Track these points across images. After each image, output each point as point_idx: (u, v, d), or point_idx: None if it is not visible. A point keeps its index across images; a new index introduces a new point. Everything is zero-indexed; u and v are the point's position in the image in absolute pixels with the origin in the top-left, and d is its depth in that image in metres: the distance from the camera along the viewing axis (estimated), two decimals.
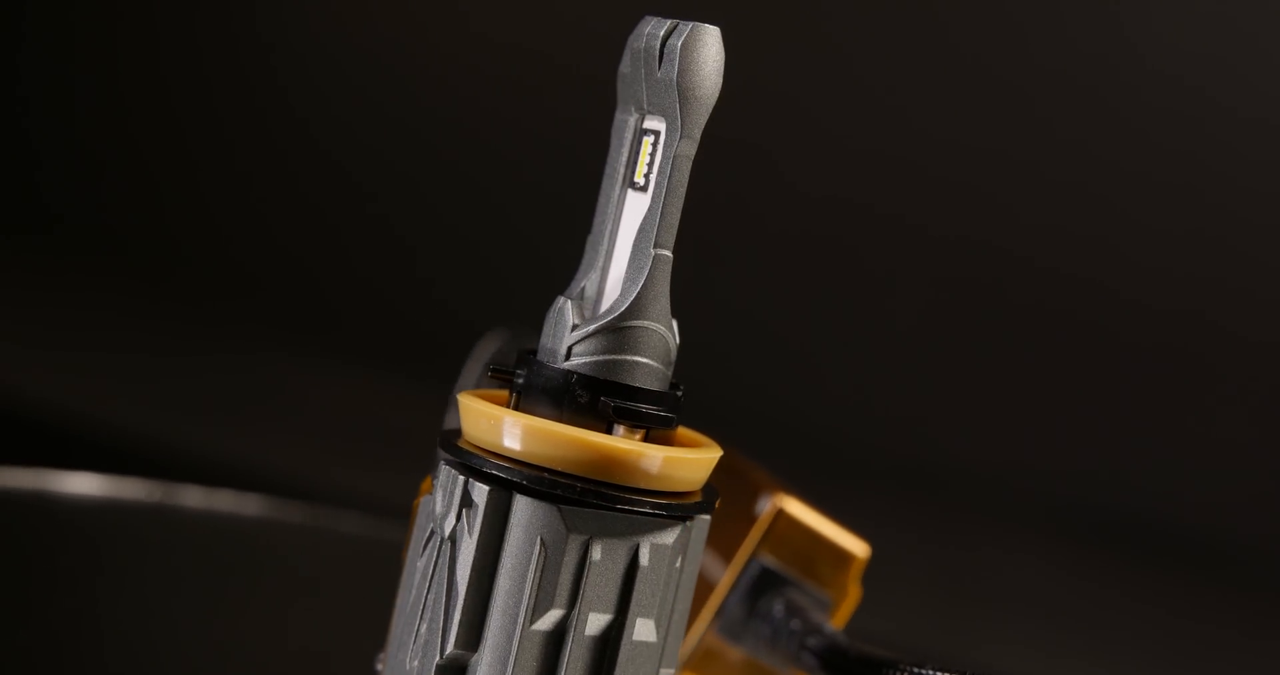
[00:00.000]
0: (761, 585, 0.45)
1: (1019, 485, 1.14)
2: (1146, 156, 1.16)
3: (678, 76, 0.35)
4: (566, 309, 0.36)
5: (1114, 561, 1.11)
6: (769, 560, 0.45)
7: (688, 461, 0.36)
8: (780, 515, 0.45)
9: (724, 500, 0.43)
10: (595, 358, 0.36)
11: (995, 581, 1.05)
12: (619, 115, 0.37)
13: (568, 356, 0.36)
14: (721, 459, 0.38)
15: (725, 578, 0.45)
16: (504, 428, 0.36)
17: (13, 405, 1.07)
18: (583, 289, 0.37)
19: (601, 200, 0.37)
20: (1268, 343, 1.14)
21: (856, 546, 0.45)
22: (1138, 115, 1.16)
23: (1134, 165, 1.16)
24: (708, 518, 0.37)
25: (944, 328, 1.19)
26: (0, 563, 0.60)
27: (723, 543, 0.45)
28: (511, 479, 0.35)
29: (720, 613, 0.45)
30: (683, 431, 0.39)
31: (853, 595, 0.45)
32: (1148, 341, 1.16)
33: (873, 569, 0.47)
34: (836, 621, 0.45)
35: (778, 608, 0.44)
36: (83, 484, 0.65)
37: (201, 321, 1.25)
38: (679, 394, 0.37)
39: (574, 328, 0.36)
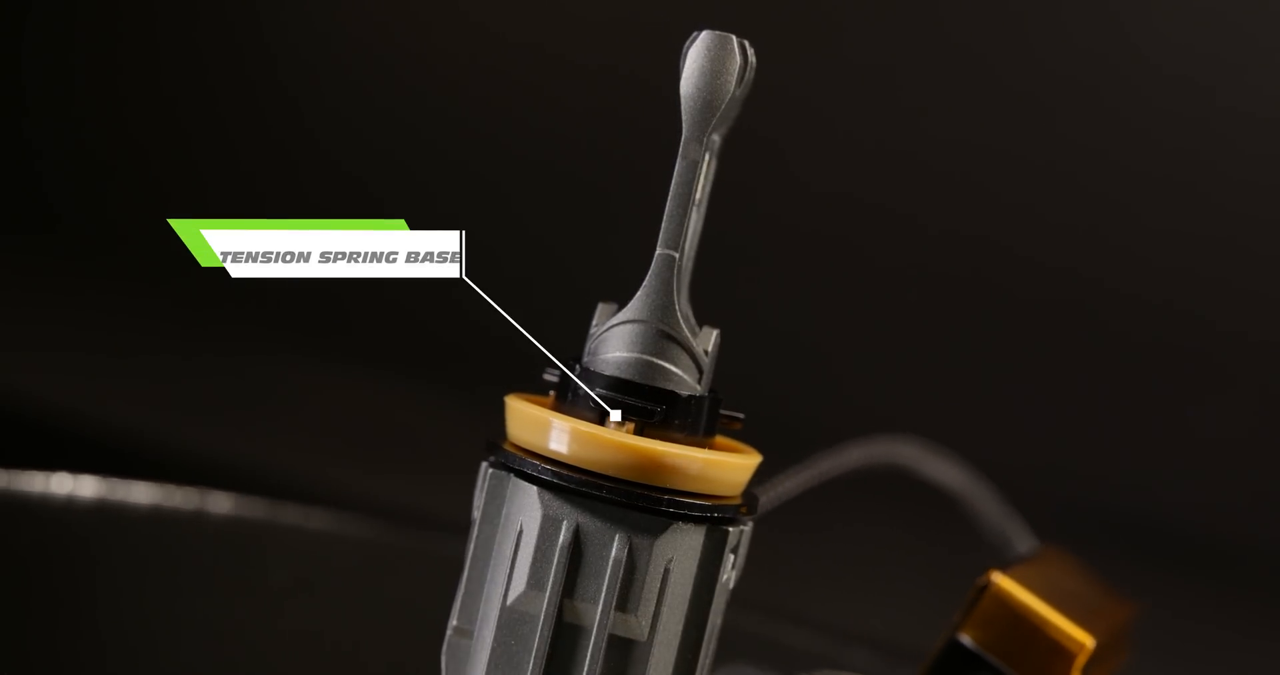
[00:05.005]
0: (955, 666, 0.40)
1: (1018, 485, 1.14)
2: (1152, 156, 1.16)
3: (681, 81, 0.36)
4: (596, 312, 0.38)
5: (1114, 561, 1.10)
6: (969, 640, 0.40)
7: (668, 456, 0.36)
8: (987, 592, 0.40)
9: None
10: (600, 355, 0.37)
11: None
12: None
13: (588, 354, 0.37)
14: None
15: (929, 656, 0.41)
16: (507, 415, 0.37)
17: (13, 405, 1.07)
18: None
19: None
20: (1272, 342, 1.14)
21: (1080, 636, 0.40)
22: (1140, 114, 1.16)
23: (1144, 166, 1.16)
24: (731, 529, 0.37)
25: (946, 327, 1.19)
26: None
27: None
28: (501, 460, 0.37)
29: None
30: (726, 441, 0.39)
31: None
32: (1150, 340, 1.16)
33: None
34: None
35: None
36: (83, 485, 0.65)
37: (202, 322, 1.25)
38: (688, 395, 0.37)
39: (595, 327, 0.37)
